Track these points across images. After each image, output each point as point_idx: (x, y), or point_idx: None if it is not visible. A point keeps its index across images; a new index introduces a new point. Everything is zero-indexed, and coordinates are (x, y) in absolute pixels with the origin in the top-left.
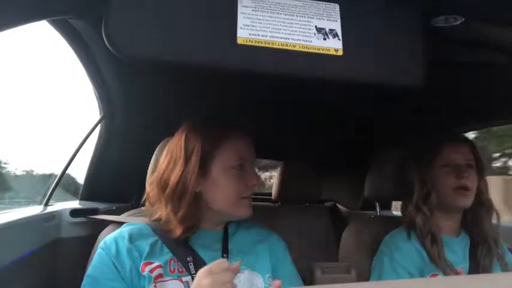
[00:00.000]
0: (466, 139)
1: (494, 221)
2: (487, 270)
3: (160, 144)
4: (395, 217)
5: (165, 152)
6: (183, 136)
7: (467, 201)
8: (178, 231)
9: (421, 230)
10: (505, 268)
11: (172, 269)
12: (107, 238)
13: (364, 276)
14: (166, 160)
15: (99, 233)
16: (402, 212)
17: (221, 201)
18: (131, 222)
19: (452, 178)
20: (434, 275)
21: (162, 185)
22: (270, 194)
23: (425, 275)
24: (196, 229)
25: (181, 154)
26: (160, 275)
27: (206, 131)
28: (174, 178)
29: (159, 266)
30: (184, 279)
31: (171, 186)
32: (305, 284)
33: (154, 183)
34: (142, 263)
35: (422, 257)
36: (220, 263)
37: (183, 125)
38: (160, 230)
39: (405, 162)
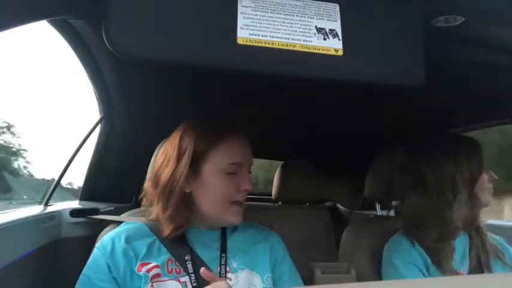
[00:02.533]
0: None
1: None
2: (487, 263)
3: (160, 144)
4: (395, 217)
5: (161, 150)
6: (179, 135)
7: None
8: (167, 230)
9: (423, 235)
10: (504, 260)
11: (170, 270)
12: (104, 237)
13: (364, 276)
14: (162, 158)
15: (99, 233)
16: (406, 217)
17: (210, 204)
18: (129, 222)
19: (487, 177)
20: None
21: (155, 182)
22: (270, 194)
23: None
24: (187, 227)
25: (174, 153)
26: (157, 275)
27: (201, 131)
28: (164, 176)
29: (156, 266)
30: (182, 279)
31: (162, 184)
32: (305, 284)
33: (150, 180)
34: (138, 264)
35: (426, 263)
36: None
37: (181, 124)
38: (157, 229)
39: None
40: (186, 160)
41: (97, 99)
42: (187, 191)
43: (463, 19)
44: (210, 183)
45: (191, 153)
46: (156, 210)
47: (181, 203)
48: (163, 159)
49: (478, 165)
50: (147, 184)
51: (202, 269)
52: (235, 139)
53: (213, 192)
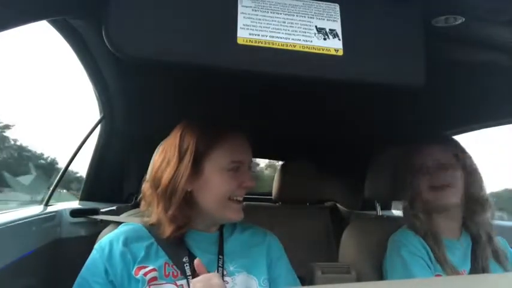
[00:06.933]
0: (440, 140)
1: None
2: (485, 267)
3: (160, 144)
4: (395, 217)
5: (159, 150)
6: (178, 135)
7: (450, 197)
8: (168, 231)
9: (422, 231)
10: (505, 261)
11: (167, 273)
12: (102, 240)
13: (364, 276)
14: (160, 158)
15: (99, 233)
16: (404, 213)
17: (211, 201)
18: (128, 223)
19: (425, 179)
20: (438, 275)
21: (155, 183)
22: (270, 194)
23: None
24: (188, 229)
25: (175, 153)
26: (154, 278)
27: (201, 131)
28: (166, 177)
29: (154, 270)
30: (179, 282)
31: (163, 185)
32: (305, 284)
33: (149, 182)
34: (136, 267)
35: (429, 256)
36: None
37: (179, 124)
38: (156, 232)
39: (400, 165)
40: (187, 160)
41: (97, 99)
42: (188, 190)
43: (463, 19)
44: (212, 181)
45: (193, 153)
46: (156, 212)
47: (183, 202)
48: (163, 160)
49: (412, 166)
50: (146, 186)
51: (196, 260)
52: (236, 137)
53: (215, 189)
